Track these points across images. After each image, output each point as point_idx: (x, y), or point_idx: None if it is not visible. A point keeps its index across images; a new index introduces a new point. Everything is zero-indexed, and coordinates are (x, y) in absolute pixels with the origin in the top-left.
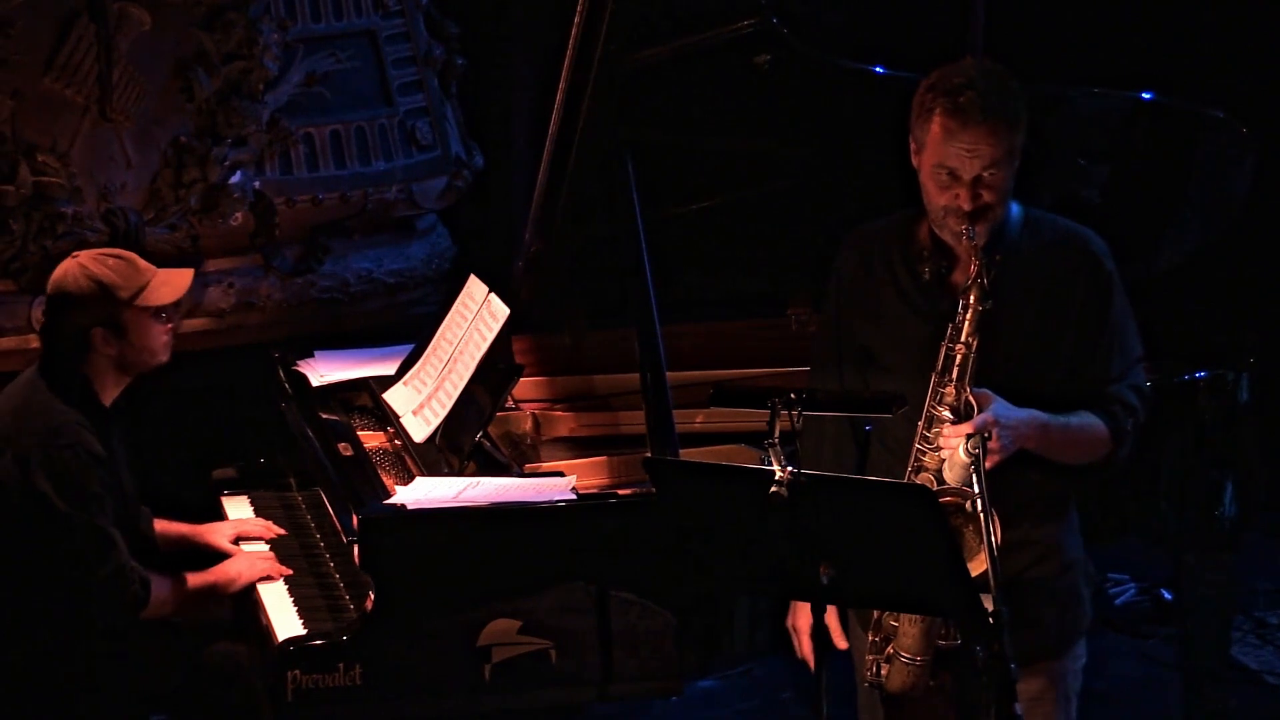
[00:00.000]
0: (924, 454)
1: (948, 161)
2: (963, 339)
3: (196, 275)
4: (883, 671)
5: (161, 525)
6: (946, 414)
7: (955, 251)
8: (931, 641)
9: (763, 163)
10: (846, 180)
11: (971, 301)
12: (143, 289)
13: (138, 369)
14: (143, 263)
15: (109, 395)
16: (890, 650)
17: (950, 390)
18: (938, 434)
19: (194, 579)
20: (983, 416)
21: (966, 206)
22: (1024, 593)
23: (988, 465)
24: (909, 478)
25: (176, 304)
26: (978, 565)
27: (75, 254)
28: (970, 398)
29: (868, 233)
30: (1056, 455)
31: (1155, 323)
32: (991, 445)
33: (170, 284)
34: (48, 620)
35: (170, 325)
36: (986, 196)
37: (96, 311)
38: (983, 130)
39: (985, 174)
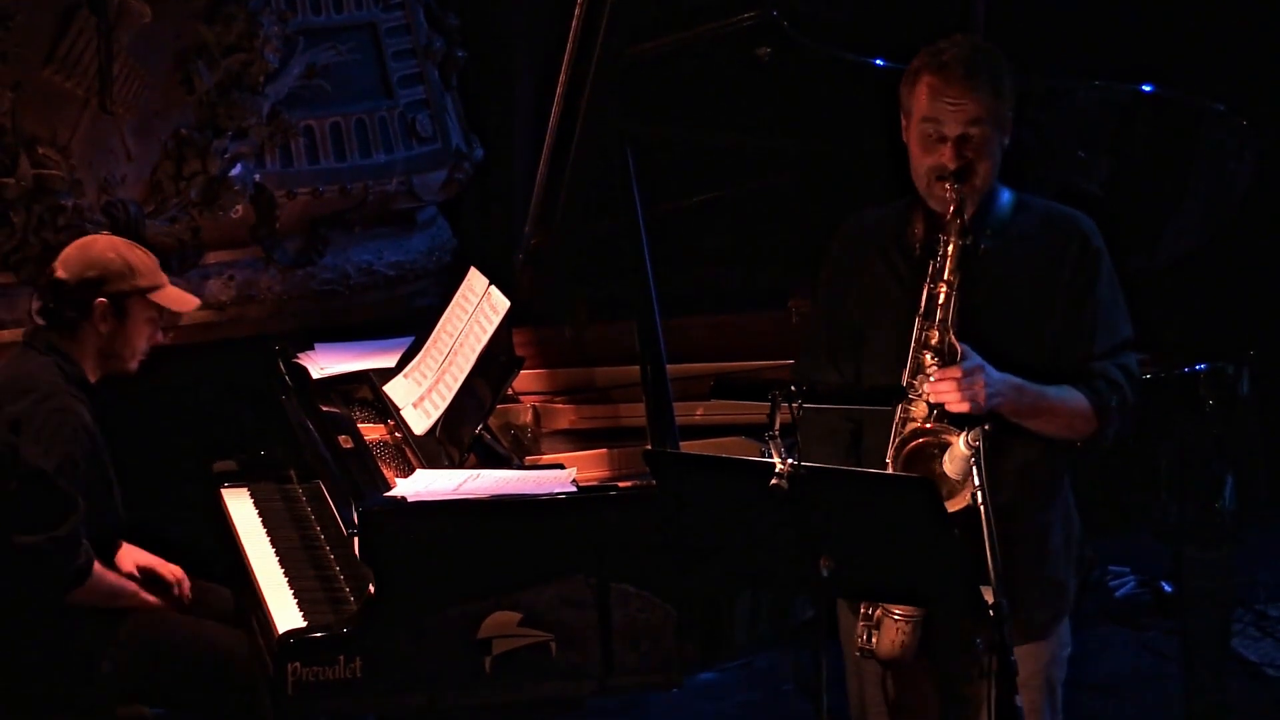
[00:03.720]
0: (911, 404)
1: (933, 117)
2: (945, 277)
3: (196, 268)
4: (873, 638)
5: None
6: (930, 357)
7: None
8: None
9: (764, 155)
10: (847, 173)
11: (951, 236)
12: (160, 286)
13: (111, 365)
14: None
15: (90, 376)
16: (879, 612)
17: (934, 333)
18: (923, 380)
19: (126, 585)
20: (973, 362)
21: (950, 164)
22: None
23: (959, 407)
24: (895, 430)
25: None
26: (955, 504)
27: (105, 233)
28: (953, 340)
29: (862, 220)
30: (1034, 424)
31: (1156, 316)
32: (967, 392)
33: (181, 298)
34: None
35: (156, 337)
36: (970, 154)
37: (112, 286)
38: (966, 86)
39: (969, 131)
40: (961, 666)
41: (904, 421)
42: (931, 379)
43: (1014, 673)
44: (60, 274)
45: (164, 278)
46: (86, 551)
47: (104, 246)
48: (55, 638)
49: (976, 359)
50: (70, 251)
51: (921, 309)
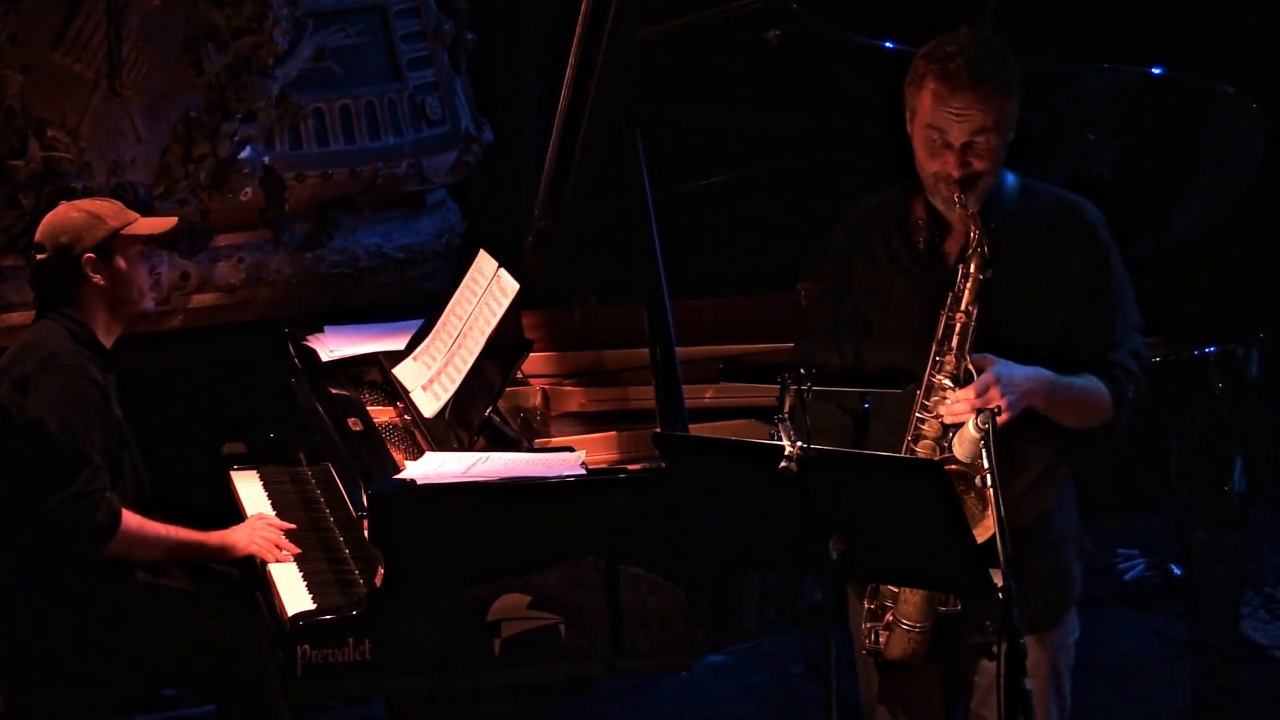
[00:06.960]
0: (924, 422)
1: (937, 126)
2: (963, 308)
3: (206, 251)
4: (882, 639)
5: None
6: (946, 382)
7: (948, 220)
8: (933, 609)
9: (773, 138)
10: (856, 155)
11: (972, 270)
12: (131, 220)
13: (126, 310)
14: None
15: (104, 339)
16: (890, 618)
17: (950, 359)
18: (938, 402)
19: (185, 534)
20: (984, 379)
21: (955, 173)
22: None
23: (999, 423)
24: (908, 446)
25: (155, 242)
26: (982, 532)
27: (60, 202)
28: (970, 366)
29: (864, 207)
30: (1060, 416)
31: (1165, 298)
32: (999, 404)
33: (156, 221)
34: (46, 562)
35: (154, 271)
36: (976, 164)
37: (86, 239)
38: (972, 96)
39: (974, 140)
40: (971, 653)
41: (917, 438)
42: (948, 400)
43: (1023, 655)
44: (40, 257)
45: (132, 214)
46: (108, 506)
47: (64, 211)
48: (72, 620)
49: (993, 372)
50: (39, 234)
51: (938, 335)
